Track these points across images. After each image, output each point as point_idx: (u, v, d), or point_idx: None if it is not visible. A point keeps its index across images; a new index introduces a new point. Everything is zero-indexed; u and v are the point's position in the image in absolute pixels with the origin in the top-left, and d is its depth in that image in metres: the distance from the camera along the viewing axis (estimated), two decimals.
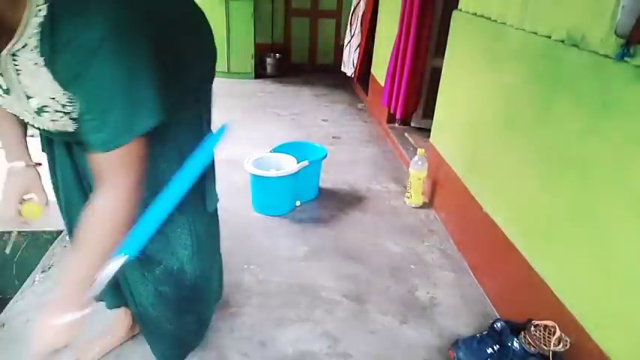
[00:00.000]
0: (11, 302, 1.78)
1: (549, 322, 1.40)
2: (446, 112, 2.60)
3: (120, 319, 1.59)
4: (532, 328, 1.42)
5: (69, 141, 1.15)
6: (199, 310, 1.48)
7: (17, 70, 0.86)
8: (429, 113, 3.23)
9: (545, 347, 1.38)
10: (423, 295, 1.96)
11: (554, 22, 1.59)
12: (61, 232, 2.21)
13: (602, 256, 1.33)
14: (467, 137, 2.27)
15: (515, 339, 1.46)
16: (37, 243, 2.20)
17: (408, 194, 2.70)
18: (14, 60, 0.85)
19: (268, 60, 5.77)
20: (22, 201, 1.15)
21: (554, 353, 1.38)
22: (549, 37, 1.61)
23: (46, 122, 0.96)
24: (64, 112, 0.93)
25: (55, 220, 2.27)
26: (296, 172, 2.44)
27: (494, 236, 1.91)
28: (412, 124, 3.76)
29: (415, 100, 3.47)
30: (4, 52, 0.82)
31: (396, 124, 3.82)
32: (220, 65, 5.36)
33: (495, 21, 2.03)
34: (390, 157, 3.46)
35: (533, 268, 1.65)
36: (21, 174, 1.14)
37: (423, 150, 2.66)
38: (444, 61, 2.59)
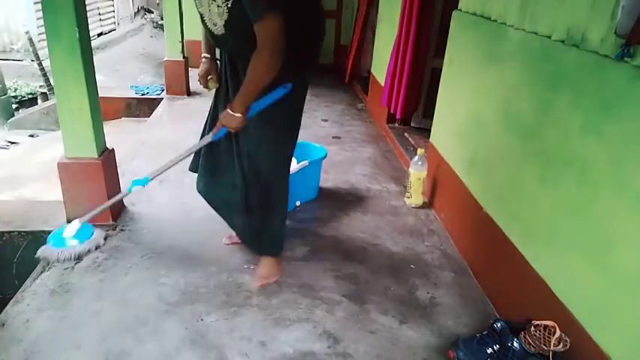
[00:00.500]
0: (11, 302, 1.78)
1: (549, 322, 1.40)
2: (446, 112, 2.60)
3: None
4: (532, 328, 1.43)
5: (232, 55, 1.75)
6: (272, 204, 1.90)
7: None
8: (429, 113, 3.23)
9: (545, 347, 1.38)
10: (423, 295, 1.96)
11: (554, 22, 1.59)
12: None
13: (602, 256, 1.33)
14: (467, 137, 2.27)
15: (515, 339, 1.46)
16: (37, 243, 2.19)
17: (408, 194, 2.70)
18: None
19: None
20: (210, 78, 1.92)
21: (554, 353, 1.38)
22: (549, 37, 1.62)
23: (218, 20, 1.62)
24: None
25: (55, 221, 2.28)
26: (296, 173, 2.44)
27: (494, 236, 1.91)
28: (412, 124, 3.76)
29: (415, 100, 3.47)
30: None
31: (396, 124, 3.82)
32: None
33: (495, 21, 2.03)
34: (390, 157, 3.46)
35: (533, 268, 1.65)
36: (206, 62, 1.91)
37: (423, 150, 2.66)
38: (444, 61, 2.59)
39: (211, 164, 1.93)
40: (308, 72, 1.83)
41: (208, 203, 2.04)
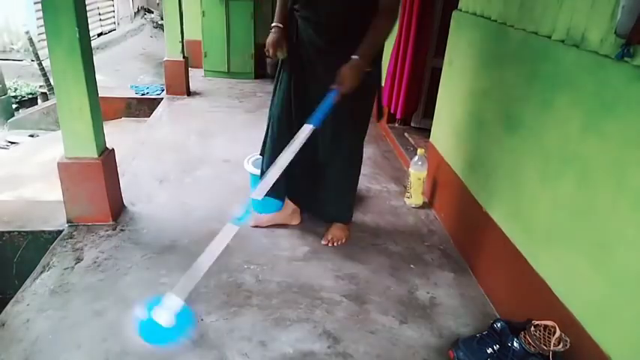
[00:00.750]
0: (11, 302, 1.78)
1: (549, 322, 1.40)
2: (446, 112, 2.60)
3: (288, 204, 2.35)
4: (532, 328, 1.42)
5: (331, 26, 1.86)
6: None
7: None
8: (429, 113, 3.23)
9: (545, 347, 1.38)
10: (423, 295, 1.96)
11: (554, 22, 1.59)
12: (61, 232, 2.21)
13: (602, 255, 1.33)
14: (467, 137, 2.27)
15: (515, 339, 1.46)
16: (37, 243, 2.20)
17: (408, 194, 2.70)
18: None
19: (268, 60, 5.77)
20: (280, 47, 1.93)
21: (554, 353, 1.38)
22: (549, 37, 1.62)
23: None
24: None
25: (55, 221, 2.28)
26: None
27: (494, 236, 1.91)
28: (412, 124, 3.76)
29: (415, 100, 3.47)
30: None
31: (396, 124, 3.82)
32: (220, 65, 5.42)
33: (495, 21, 2.03)
34: (390, 157, 3.46)
35: (533, 268, 1.65)
36: (278, 32, 1.93)
37: (423, 150, 2.66)
38: (444, 61, 2.59)
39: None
40: None
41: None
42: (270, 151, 2.11)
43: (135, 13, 11.68)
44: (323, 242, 2.24)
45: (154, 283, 1.92)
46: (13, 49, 7.47)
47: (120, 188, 2.42)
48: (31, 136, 5.19)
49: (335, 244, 2.24)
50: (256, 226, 2.35)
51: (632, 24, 1.21)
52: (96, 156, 2.17)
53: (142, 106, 4.89)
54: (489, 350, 1.52)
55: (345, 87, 1.70)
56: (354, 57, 1.71)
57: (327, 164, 2.10)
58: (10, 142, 4.91)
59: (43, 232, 2.22)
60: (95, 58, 2.18)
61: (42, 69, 6.62)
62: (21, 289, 1.85)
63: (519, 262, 1.72)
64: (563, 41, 1.54)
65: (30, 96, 6.47)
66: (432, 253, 2.26)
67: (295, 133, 1.66)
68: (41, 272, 1.94)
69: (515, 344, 1.46)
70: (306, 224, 2.43)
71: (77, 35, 1.95)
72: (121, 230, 2.26)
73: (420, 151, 2.64)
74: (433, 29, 3.32)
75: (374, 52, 1.79)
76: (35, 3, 6.96)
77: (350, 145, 2.09)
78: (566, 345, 1.37)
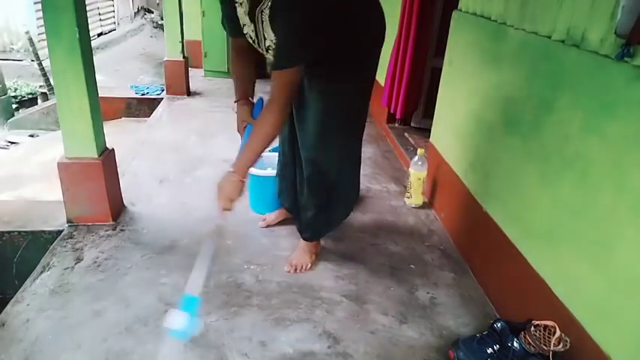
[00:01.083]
0: (11, 302, 1.78)
1: (549, 322, 1.40)
2: (446, 111, 2.60)
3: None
4: (532, 328, 1.42)
5: None
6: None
7: (262, 21, 1.53)
8: (429, 113, 3.22)
9: (545, 347, 1.38)
10: (423, 295, 1.96)
11: (554, 22, 1.59)
12: (61, 232, 2.21)
13: (602, 255, 1.33)
14: (467, 137, 2.27)
15: (515, 339, 1.46)
16: (37, 243, 2.20)
17: (408, 194, 2.70)
18: (262, 15, 1.51)
19: (268, 60, 5.76)
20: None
21: (554, 353, 1.38)
22: (549, 37, 1.62)
23: (269, 56, 1.61)
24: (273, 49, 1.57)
25: (55, 221, 2.28)
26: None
27: (495, 236, 1.91)
28: (412, 124, 3.76)
29: (415, 100, 3.47)
30: (258, 9, 1.50)
31: (396, 124, 3.82)
32: (220, 65, 5.41)
33: (495, 21, 2.03)
34: (390, 157, 3.46)
35: (533, 268, 1.65)
36: (241, 109, 1.85)
37: (423, 150, 2.66)
38: (444, 61, 2.59)
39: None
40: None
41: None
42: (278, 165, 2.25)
43: (135, 13, 11.69)
44: (285, 269, 2.05)
45: (154, 283, 1.92)
46: (13, 49, 7.48)
47: (120, 188, 2.42)
48: (31, 136, 5.19)
49: (299, 270, 2.05)
50: (267, 226, 2.38)
51: (632, 24, 1.21)
52: (96, 156, 2.17)
53: (142, 106, 4.89)
54: (489, 350, 1.52)
55: (222, 201, 1.58)
56: (229, 170, 1.59)
57: (302, 169, 1.97)
58: (10, 142, 4.92)
59: (43, 232, 2.22)
60: (95, 58, 2.18)
61: (42, 69, 6.62)
62: (21, 289, 1.85)
63: (519, 262, 1.72)
64: (563, 41, 1.54)
65: (30, 96, 6.47)
66: (432, 253, 2.26)
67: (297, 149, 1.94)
68: (41, 272, 1.94)
69: (515, 344, 1.46)
70: None
71: (77, 35, 1.95)
72: (121, 230, 2.26)
73: (420, 151, 2.64)
74: (433, 29, 3.32)
75: (253, 160, 1.60)
76: (35, 3, 6.97)
77: (319, 161, 1.88)
78: (566, 345, 1.37)
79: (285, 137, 2.08)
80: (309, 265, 2.07)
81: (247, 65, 1.84)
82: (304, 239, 2.10)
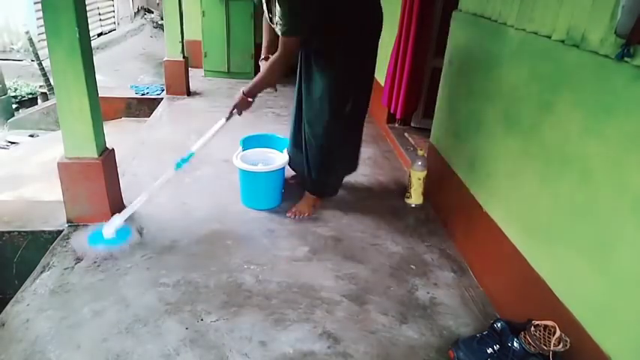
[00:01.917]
0: (11, 302, 1.78)
1: (549, 322, 1.40)
2: (446, 111, 2.60)
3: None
4: (532, 328, 1.42)
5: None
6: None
7: (272, 2, 2.03)
8: (429, 113, 3.22)
9: (545, 347, 1.38)
10: (423, 295, 1.96)
11: (554, 22, 1.59)
12: (61, 231, 2.21)
13: (602, 256, 1.33)
14: (467, 137, 2.27)
15: (515, 339, 1.46)
16: (37, 243, 2.20)
17: (408, 194, 2.70)
18: None
19: (277, 30, 5.73)
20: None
21: (554, 353, 1.38)
22: (549, 37, 1.61)
23: (277, 28, 2.06)
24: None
25: (55, 221, 2.28)
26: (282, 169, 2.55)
27: (494, 236, 1.91)
28: (412, 124, 3.76)
29: (415, 100, 3.47)
30: None
31: (396, 124, 3.82)
32: (220, 65, 5.42)
33: (495, 21, 2.03)
34: (390, 157, 3.46)
35: (533, 268, 1.65)
36: (264, 64, 2.28)
37: (423, 150, 2.66)
38: (444, 61, 2.59)
39: None
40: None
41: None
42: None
43: (135, 13, 11.69)
44: (287, 214, 2.48)
45: (154, 283, 1.92)
46: (13, 49, 7.48)
47: (120, 188, 2.42)
48: (31, 136, 5.19)
49: (297, 216, 2.46)
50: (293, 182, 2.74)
51: (632, 24, 1.21)
52: (96, 156, 2.17)
53: (142, 106, 4.89)
54: (489, 350, 1.52)
55: (233, 109, 2.25)
56: (241, 90, 2.21)
57: (305, 137, 2.43)
58: (10, 142, 4.91)
59: (43, 232, 2.22)
60: (95, 58, 2.18)
61: (42, 69, 6.62)
62: (21, 289, 1.85)
63: (519, 262, 1.72)
64: (563, 41, 1.54)
65: (30, 96, 6.47)
66: (432, 253, 2.26)
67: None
68: (41, 272, 1.94)
69: (515, 344, 1.46)
70: (306, 224, 2.43)
71: (77, 35, 1.95)
72: None
73: (420, 151, 2.64)
74: (433, 29, 3.32)
75: (259, 88, 2.21)
76: (35, 3, 6.96)
77: (321, 121, 2.32)
78: (566, 345, 1.37)
79: (296, 106, 2.52)
80: (306, 214, 2.48)
81: (270, 35, 2.34)
82: (307, 191, 2.54)
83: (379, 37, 2.29)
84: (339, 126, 2.33)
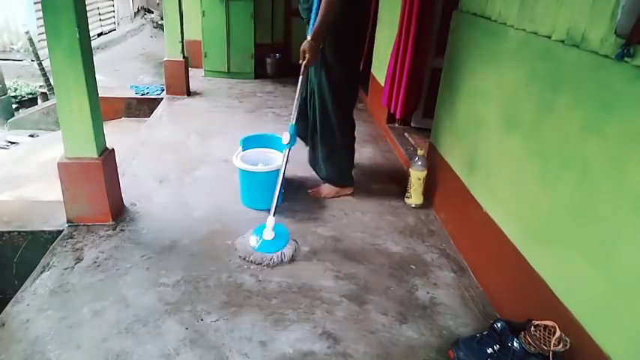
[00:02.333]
0: (11, 302, 1.78)
1: (549, 322, 1.40)
2: (446, 111, 2.60)
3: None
4: (532, 328, 1.42)
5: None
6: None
7: None
8: (429, 113, 3.23)
9: (545, 347, 1.38)
10: (423, 295, 1.96)
11: (554, 22, 1.59)
12: (61, 232, 2.21)
13: (602, 256, 1.33)
14: (467, 137, 2.27)
15: (515, 339, 1.46)
16: (37, 243, 2.20)
17: (408, 194, 2.70)
18: None
19: (268, 60, 5.76)
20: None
21: (554, 353, 1.38)
22: (549, 37, 1.62)
23: None
24: None
25: (55, 221, 2.28)
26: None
27: (495, 236, 1.91)
28: (412, 124, 3.76)
29: (415, 100, 3.47)
30: None
31: (396, 124, 3.82)
32: (220, 65, 5.42)
33: (495, 21, 2.03)
34: (390, 157, 3.46)
35: (533, 268, 1.65)
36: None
37: (423, 150, 2.66)
38: (444, 61, 2.59)
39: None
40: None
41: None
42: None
43: (135, 13, 11.68)
44: (308, 190, 2.73)
45: (154, 283, 1.92)
46: (13, 49, 7.47)
47: (120, 188, 2.42)
48: (31, 136, 5.19)
49: (315, 196, 2.70)
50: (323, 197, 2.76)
51: (632, 24, 1.21)
52: (96, 156, 2.18)
53: (142, 106, 4.89)
54: (489, 350, 1.52)
55: (307, 60, 2.26)
56: (308, 38, 2.26)
57: (315, 128, 2.58)
58: (10, 142, 4.91)
59: (43, 232, 2.22)
60: (95, 58, 2.18)
61: (42, 69, 6.62)
62: (21, 289, 1.85)
63: (519, 262, 1.72)
64: (563, 41, 1.54)
65: (30, 96, 6.47)
66: (432, 253, 2.26)
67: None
68: (41, 272, 1.94)
69: (515, 344, 1.46)
70: (306, 224, 2.44)
71: (77, 35, 1.95)
72: (121, 230, 2.27)
73: (420, 151, 2.64)
74: (433, 29, 3.32)
75: (321, 30, 2.23)
76: (35, 3, 6.96)
77: (328, 113, 2.50)
78: (566, 345, 1.37)
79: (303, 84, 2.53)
80: (323, 195, 2.71)
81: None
82: (323, 180, 2.74)
83: (367, 26, 2.64)
84: (339, 98, 2.52)
